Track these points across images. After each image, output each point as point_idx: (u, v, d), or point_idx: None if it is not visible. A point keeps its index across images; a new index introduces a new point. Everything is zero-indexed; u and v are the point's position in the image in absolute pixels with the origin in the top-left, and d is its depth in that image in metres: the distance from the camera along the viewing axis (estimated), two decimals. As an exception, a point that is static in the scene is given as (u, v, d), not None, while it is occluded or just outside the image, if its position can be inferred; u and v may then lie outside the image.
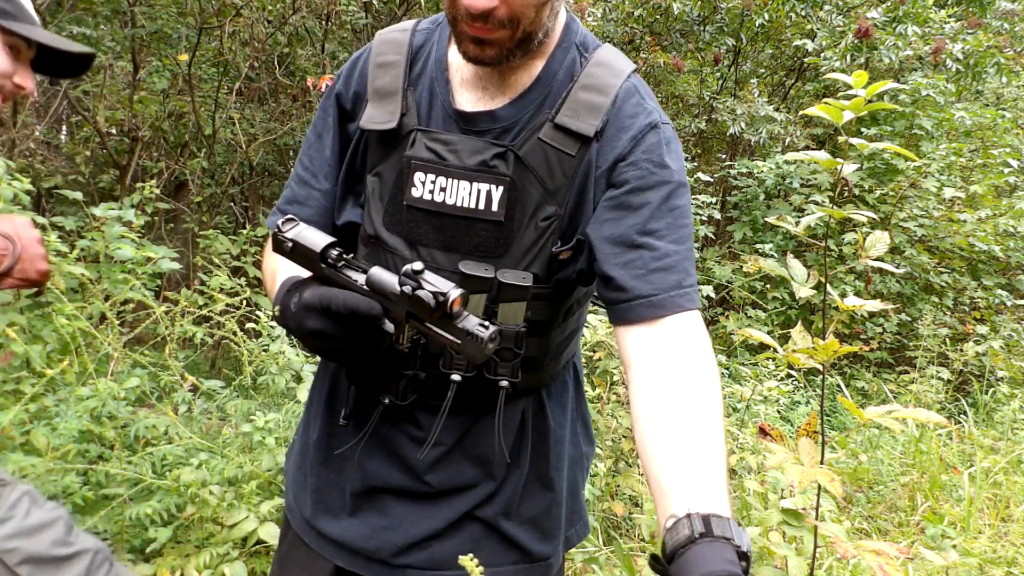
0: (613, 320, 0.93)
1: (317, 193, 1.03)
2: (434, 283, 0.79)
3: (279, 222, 0.88)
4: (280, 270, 0.99)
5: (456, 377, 0.93)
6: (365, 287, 0.85)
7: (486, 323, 0.79)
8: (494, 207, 0.91)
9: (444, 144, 0.93)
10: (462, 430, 1.00)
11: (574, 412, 1.12)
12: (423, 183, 0.93)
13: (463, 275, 0.91)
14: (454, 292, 0.78)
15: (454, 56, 0.97)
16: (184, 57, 4.32)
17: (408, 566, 1.02)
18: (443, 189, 0.92)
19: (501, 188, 0.91)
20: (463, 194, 0.92)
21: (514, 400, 1.00)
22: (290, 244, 0.89)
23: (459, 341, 0.79)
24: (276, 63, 4.74)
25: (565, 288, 0.97)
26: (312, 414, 1.12)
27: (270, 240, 1.08)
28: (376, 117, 0.96)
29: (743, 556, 0.67)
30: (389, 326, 0.86)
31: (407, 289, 0.79)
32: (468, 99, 0.95)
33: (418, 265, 0.78)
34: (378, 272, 0.84)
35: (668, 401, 0.81)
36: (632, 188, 0.91)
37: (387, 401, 0.98)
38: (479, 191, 0.91)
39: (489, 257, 0.93)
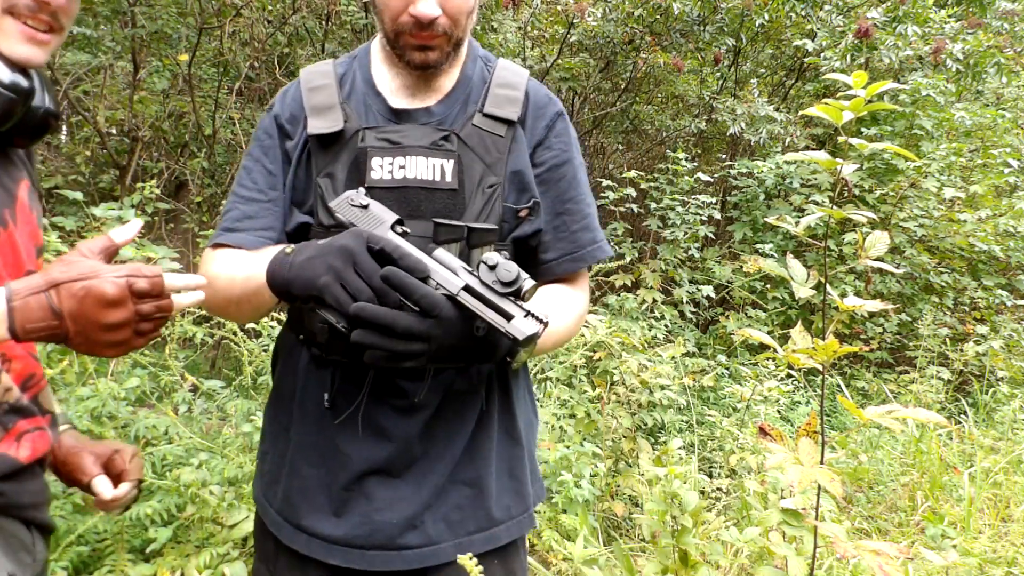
0: (539, 268, 1.16)
1: (268, 203, 1.12)
2: (511, 269, 0.85)
3: (353, 191, 0.99)
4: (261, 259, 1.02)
5: None
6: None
7: (535, 313, 0.85)
8: (448, 178, 1.07)
9: (395, 133, 1.09)
10: (443, 390, 1.09)
11: (525, 380, 1.26)
12: (382, 166, 1.07)
13: (437, 224, 1.03)
14: (528, 282, 0.85)
15: (380, 75, 1.14)
16: (184, 57, 4.32)
17: (405, 547, 1.07)
18: (402, 167, 1.07)
19: (451, 161, 1.08)
20: (422, 168, 1.07)
21: None
22: (366, 203, 0.97)
23: (509, 333, 0.84)
24: (276, 63, 4.74)
25: (520, 247, 1.14)
26: (280, 426, 1.16)
27: (214, 253, 1.12)
28: (321, 125, 1.10)
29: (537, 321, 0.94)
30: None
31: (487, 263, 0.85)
32: (401, 103, 1.12)
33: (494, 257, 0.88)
34: (443, 252, 0.91)
35: (550, 293, 1.15)
36: (551, 166, 1.15)
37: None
38: (434, 165, 1.07)
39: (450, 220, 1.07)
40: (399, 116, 1.11)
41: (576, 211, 1.16)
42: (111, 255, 0.85)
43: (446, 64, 1.08)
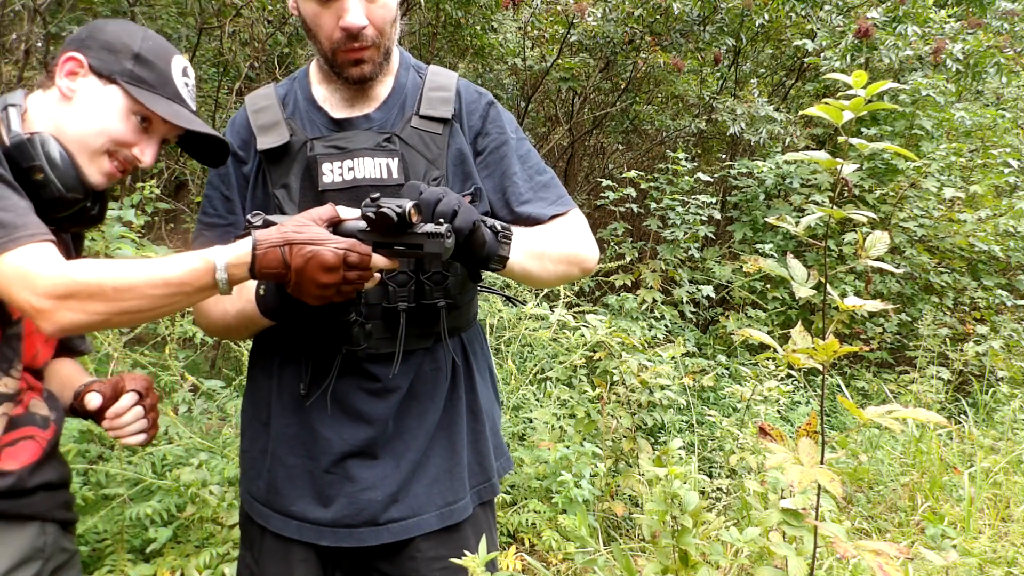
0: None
1: (229, 227, 1.22)
2: (391, 203, 0.97)
3: (248, 216, 1.07)
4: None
5: (403, 305, 1.15)
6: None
7: (440, 222, 0.98)
8: (395, 174, 1.17)
9: (340, 139, 1.18)
10: (412, 372, 1.20)
11: (488, 365, 1.35)
12: (332, 170, 1.16)
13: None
14: (408, 204, 0.97)
15: (319, 93, 1.23)
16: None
17: (390, 520, 1.17)
18: (351, 168, 1.16)
19: (396, 159, 1.17)
20: (369, 168, 1.16)
21: (448, 339, 1.22)
22: (261, 223, 1.05)
23: (423, 243, 0.97)
24: (276, 63, 4.74)
25: None
26: (259, 423, 1.25)
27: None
28: (268, 140, 1.19)
29: (501, 236, 1.09)
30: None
31: (370, 212, 0.97)
32: (342, 114, 1.21)
33: (375, 194, 0.98)
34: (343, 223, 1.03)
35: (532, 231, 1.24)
36: (491, 150, 1.26)
37: (344, 350, 1.15)
38: (380, 164, 1.17)
39: None
40: (342, 125, 1.20)
41: (519, 184, 1.26)
42: (333, 224, 1.02)
43: (380, 74, 1.18)
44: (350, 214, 1.04)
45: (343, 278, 0.97)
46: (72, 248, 1.18)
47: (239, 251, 0.97)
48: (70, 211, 1.07)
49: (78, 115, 1.05)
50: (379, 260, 1.01)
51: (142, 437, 1.14)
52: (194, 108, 1.14)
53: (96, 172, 1.07)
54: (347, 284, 0.98)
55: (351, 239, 0.98)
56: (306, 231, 0.97)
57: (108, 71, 1.05)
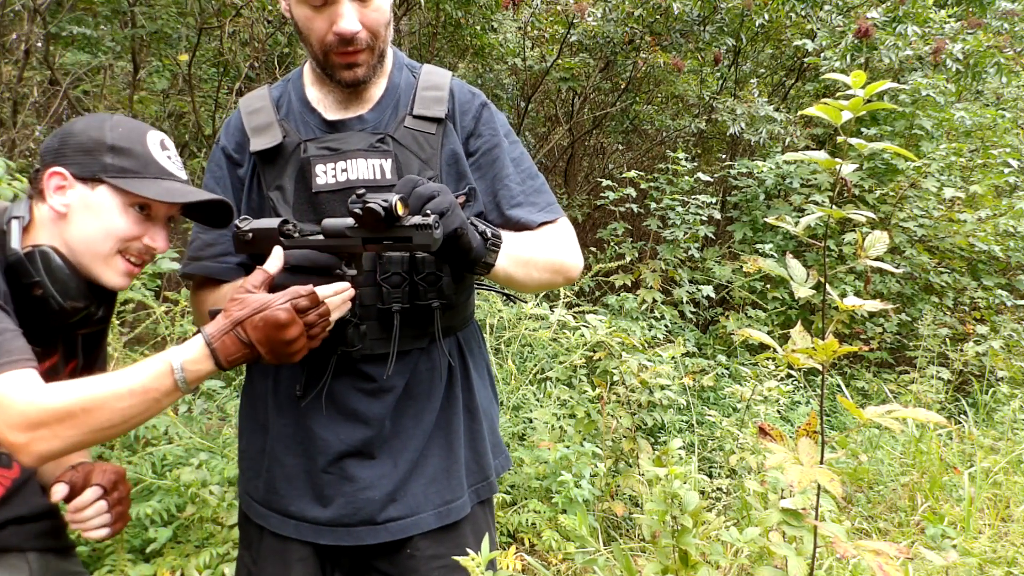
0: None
1: (224, 230, 1.21)
2: (377, 198, 0.96)
3: (236, 222, 1.09)
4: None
5: (397, 306, 1.14)
6: (323, 238, 1.04)
7: (428, 213, 0.97)
8: (388, 175, 1.16)
9: (333, 141, 1.17)
10: (408, 372, 1.19)
11: (485, 364, 1.35)
12: (325, 172, 1.16)
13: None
14: (394, 197, 0.96)
15: (313, 95, 1.23)
16: (184, 57, 4.32)
17: (388, 520, 1.18)
18: (344, 170, 1.16)
19: (389, 160, 1.16)
20: (362, 169, 1.16)
21: (443, 338, 1.22)
22: (251, 234, 1.07)
23: (411, 236, 0.96)
24: (276, 63, 4.74)
25: None
26: (256, 423, 1.26)
27: (194, 290, 1.27)
28: (261, 142, 1.18)
29: (490, 243, 1.09)
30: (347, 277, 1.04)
31: (357, 208, 0.96)
32: (336, 115, 1.21)
33: (360, 190, 0.98)
34: (329, 220, 1.04)
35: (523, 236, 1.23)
36: (484, 151, 1.25)
37: (339, 351, 1.15)
38: (374, 165, 1.16)
39: None
40: (335, 127, 1.19)
41: (512, 187, 1.25)
42: (269, 284, 1.02)
43: (373, 76, 1.18)
44: (276, 264, 1.04)
45: (304, 324, 0.96)
46: (82, 352, 1.18)
47: (194, 349, 0.95)
48: (74, 319, 1.08)
49: (79, 227, 1.06)
50: (326, 290, 0.99)
51: (103, 532, 1.12)
52: (184, 177, 1.14)
53: (113, 275, 1.09)
54: (312, 328, 0.97)
55: (290, 289, 0.96)
56: (247, 303, 0.96)
57: (91, 173, 1.05)
